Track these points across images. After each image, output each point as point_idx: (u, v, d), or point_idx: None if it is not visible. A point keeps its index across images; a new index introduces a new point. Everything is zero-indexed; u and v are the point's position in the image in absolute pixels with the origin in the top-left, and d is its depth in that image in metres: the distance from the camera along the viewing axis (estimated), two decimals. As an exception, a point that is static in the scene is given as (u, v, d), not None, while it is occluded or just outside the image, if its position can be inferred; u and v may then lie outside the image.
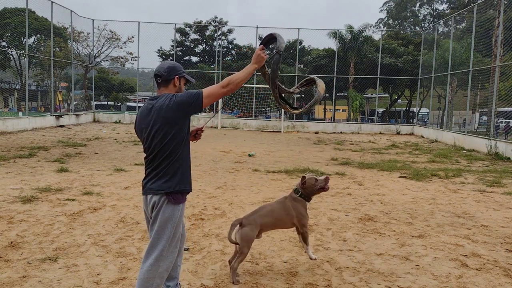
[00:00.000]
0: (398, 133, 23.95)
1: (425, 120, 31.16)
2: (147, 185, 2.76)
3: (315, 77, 3.45)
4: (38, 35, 31.40)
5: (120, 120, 25.63)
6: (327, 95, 38.85)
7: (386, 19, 57.65)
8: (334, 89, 26.64)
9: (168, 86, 2.78)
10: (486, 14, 28.28)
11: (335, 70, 26.51)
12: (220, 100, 16.17)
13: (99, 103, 46.42)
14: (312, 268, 3.86)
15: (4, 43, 30.99)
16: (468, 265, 4.03)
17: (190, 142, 2.94)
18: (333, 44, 30.19)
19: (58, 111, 29.15)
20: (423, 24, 50.97)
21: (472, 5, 20.16)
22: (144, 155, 2.84)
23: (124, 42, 32.42)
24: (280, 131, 22.81)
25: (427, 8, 54.27)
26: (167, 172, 2.70)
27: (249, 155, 11.85)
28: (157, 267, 2.70)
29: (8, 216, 5.11)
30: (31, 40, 31.19)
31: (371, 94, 38.67)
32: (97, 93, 38.63)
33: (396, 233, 4.98)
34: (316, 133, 22.85)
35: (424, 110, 33.52)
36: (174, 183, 2.70)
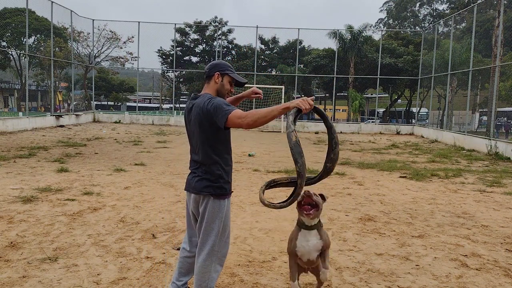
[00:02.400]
0: (398, 133, 23.95)
1: (426, 120, 31.17)
2: (190, 182, 2.84)
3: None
4: (38, 35, 31.41)
5: (120, 120, 25.64)
6: (327, 95, 38.86)
7: (386, 19, 57.78)
8: (334, 89, 26.64)
9: (210, 83, 2.86)
10: (486, 14, 28.35)
11: (335, 70, 26.51)
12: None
13: (99, 103, 46.51)
14: (312, 268, 3.86)
15: (4, 43, 31.01)
16: (468, 265, 4.03)
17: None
18: (333, 44, 30.26)
19: (58, 111, 29.17)
20: (423, 24, 51.04)
21: (472, 5, 20.16)
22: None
23: (124, 42, 32.50)
24: (280, 131, 22.81)
25: (427, 8, 54.38)
26: (207, 173, 2.76)
27: (249, 155, 11.85)
28: (210, 262, 2.78)
29: (8, 216, 5.11)
30: (31, 40, 31.20)
31: (371, 94, 38.70)
32: (97, 93, 38.69)
33: (396, 233, 4.98)
34: (316, 133, 22.85)
35: (424, 110, 33.53)
36: (213, 186, 2.75)
